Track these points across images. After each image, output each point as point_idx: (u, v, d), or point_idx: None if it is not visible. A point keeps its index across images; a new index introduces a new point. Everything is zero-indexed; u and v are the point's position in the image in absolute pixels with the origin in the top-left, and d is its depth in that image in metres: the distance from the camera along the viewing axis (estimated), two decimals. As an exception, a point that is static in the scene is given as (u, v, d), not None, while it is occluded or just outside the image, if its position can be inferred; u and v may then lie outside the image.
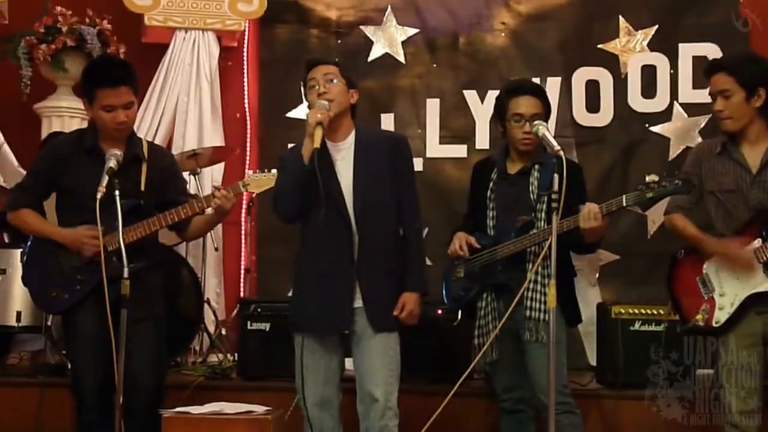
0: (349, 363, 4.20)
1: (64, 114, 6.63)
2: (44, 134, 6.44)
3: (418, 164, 6.25)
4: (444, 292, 4.69)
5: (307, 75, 4.15)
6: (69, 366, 4.68)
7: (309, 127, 3.93)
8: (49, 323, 5.62)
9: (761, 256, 4.04)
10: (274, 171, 4.40)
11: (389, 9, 6.91)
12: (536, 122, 4.10)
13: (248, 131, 6.98)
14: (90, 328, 4.20)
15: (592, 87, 6.66)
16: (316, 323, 4.06)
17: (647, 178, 4.07)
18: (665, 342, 4.79)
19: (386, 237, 4.10)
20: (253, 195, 4.56)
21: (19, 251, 5.35)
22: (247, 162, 6.90)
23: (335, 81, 4.08)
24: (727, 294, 4.11)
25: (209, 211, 4.38)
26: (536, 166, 4.43)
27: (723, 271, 4.15)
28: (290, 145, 4.68)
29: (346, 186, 4.05)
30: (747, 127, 4.17)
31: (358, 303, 4.04)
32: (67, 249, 4.27)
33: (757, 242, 4.07)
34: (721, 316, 4.10)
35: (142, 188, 4.32)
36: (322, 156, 3.93)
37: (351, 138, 4.15)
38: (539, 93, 4.55)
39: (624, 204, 4.08)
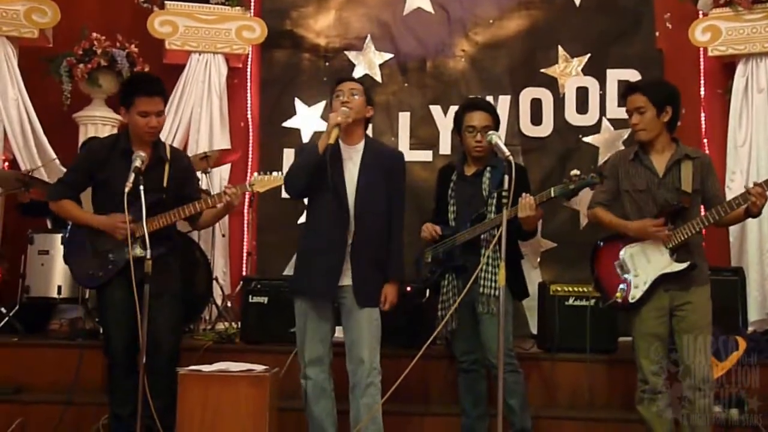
0: (338, 331, 4.21)
1: (97, 122, 6.60)
2: (81, 139, 6.45)
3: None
4: (416, 272, 4.75)
5: (337, 87, 4.21)
6: (101, 331, 4.67)
7: (329, 126, 3.99)
8: (85, 296, 5.63)
9: (668, 243, 4.09)
10: (275, 173, 4.45)
11: (369, 37, 6.90)
12: (490, 132, 4.06)
13: (250, 137, 6.95)
14: (119, 300, 4.20)
15: (536, 104, 6.67)
16: (311, 289, 4.08)
17: (571, 173, 4.13)
18: (593, 314, 4.86)
19: (376, 228, 4.10)
20: (258, 192, 4.52)
21: (59, 236, 5.35)
22: (249, 162, 6.88)
23: (357, 96, 4.14)
24: (640, 275, 4.15)
25: (220, 205, 4.39)
26: (488, 168, 4.48)
27: (637, 255, 4.18)
28: (305, 140, 4.52)
29: (349, 180, 4.08)
30: (656, 138, 4.21)
31: (348, 281, 4.05)
32: (101, 234, 4.27)
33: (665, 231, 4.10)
34: (636, 293, 4.14)
35: (165, 185, 4.33)
36: (335, 151, 4.00)
37: (361, 145, 4.17)
38: (489, 108, 4.60)
39: (552, 194, 4.14)
